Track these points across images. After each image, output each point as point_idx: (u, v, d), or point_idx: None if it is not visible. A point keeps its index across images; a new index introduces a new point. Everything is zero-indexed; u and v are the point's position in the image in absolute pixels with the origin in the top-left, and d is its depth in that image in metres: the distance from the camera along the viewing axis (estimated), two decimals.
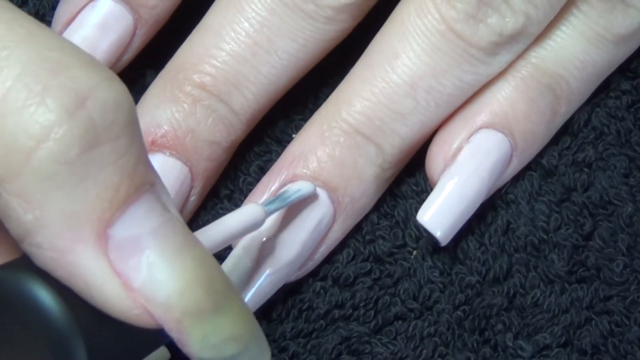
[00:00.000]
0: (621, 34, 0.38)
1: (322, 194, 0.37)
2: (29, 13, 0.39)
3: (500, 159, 0.37)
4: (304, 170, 0.37)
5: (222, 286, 0.26)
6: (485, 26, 0.36)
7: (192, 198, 0.37)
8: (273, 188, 0.37)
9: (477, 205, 0.37)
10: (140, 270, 0.25)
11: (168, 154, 0.36)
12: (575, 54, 0.38)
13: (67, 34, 0.37)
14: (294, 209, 0.37)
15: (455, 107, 0.37)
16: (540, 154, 0.39)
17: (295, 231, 0.37)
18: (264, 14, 0.36)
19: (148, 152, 0.34)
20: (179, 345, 0.26)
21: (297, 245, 0.37)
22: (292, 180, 0.37)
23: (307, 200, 0.37)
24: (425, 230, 0.37)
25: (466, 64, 0.36)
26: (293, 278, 0.38)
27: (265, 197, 0.37)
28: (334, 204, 0.37)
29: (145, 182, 0.26)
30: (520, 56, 0.37)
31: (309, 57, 0.37)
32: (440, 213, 0.37)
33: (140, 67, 0.40)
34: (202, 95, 0.36)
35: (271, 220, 0.36)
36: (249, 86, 0.37)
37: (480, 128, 0.37)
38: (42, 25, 0.25)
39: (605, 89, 0.40)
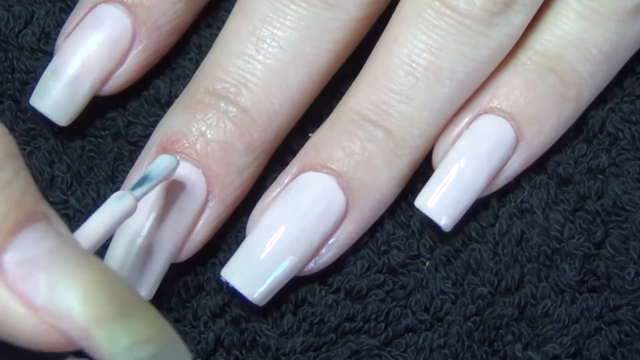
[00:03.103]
0: (622, 9, 0.37)
1: (329, 180, 0.36)
2: (34, 32, 0.40)
3: (500, 142, 0.37)
4: (314, 160, 0.37)
5: (125, 292, 0.26)
6: None
7: (211, 204, 0.36)
8: (286, 180, 0.37)
9: (479, 190, 0.37)
10: (39, 288, 0.26)
11: (178, 157, 0.36)
12: (571, 32, 0.37)
13: (67, 44, 0.38)
14: (299, 196, 0.36)
15: (461, 85, 0.36)
16: (557, 162, 0.39)
17: (301, 218, 0.36)
18: (264, 11, 0.37)
19: None
20: (93, 354, 0.26)
21: (305, 233, 0.36)
22: (304, 170, 0.37)
23: (311, 186, 0.36)
24: (427, 218, 0.37)
25: (463, 36, 0.36)
26: (305, 271, 0.37)
27: (274, 193, 0.37)
28: (343, 189, 0.36)
29: (37, 212, 0.27)
30: (519, 43, 0.37)
31: (315, 51, 0.37)
32: (440, 198, 0.37)
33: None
34: (213, 100, 0.36)
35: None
36: (256, 82, 0.36)
37: (480, 114, 0.37)
38: None
39: (619, 93, 0.40)
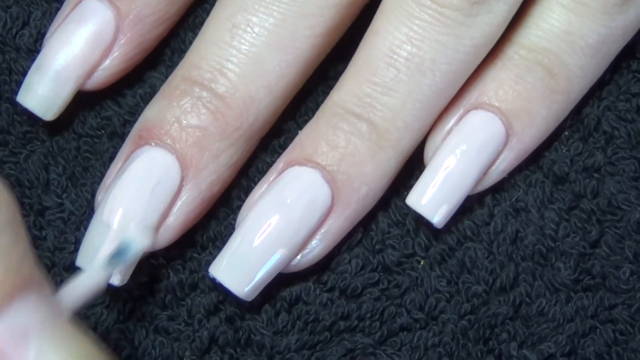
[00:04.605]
0: (608, 1, 0.37)
1: (314, 174, 0.37)
2: (31, 34, 0.40)
3: (490, 137, 0.37)
4: (300, 155, 0.37)
5: None
6: None
7: (186, 187, 0.37)
8: (272, 177, 0.37)
9: (470, 185, 0.37)
10: (28, 357, 0.26)
11: (153, 144, 0.36)
12: (558, 26, 0.37)
13: (51, 39, 0.38)
14: (284, 190, 0.36)
15: (445, 77, 0.36)
16: (553, 161, 0.39)
17: (287, 212, 0.36)
18: (242, 1, 0.37)
19: (136, 147, 0.36)
20: None
21: (290, 228, 0.36)
22: (290, 165, 0.37)
23: (296, 180, 0.36)
24: (421, 216, 0.37)
25: (443, 27, 0.36)
26: (292, 266, 0.37)
27: (261, 190, 0.37)
28: (328, 183, 0.37)
29: (32, 279, 0.27)
30: (506, 38, 0.37)
31: (291, 36, 0.37)
32: (431, 196, 0.37)
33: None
34: (188, 87, 0.37)
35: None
36: (231, 68, 0.37)
37: (469, 110, 0.37)
38: None
39: (615, 91, 0.40)
